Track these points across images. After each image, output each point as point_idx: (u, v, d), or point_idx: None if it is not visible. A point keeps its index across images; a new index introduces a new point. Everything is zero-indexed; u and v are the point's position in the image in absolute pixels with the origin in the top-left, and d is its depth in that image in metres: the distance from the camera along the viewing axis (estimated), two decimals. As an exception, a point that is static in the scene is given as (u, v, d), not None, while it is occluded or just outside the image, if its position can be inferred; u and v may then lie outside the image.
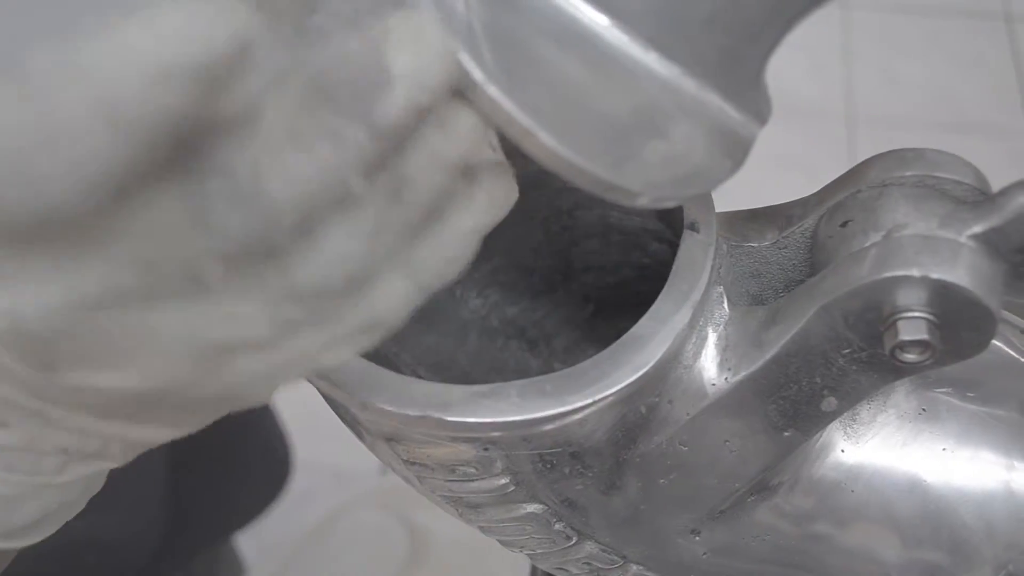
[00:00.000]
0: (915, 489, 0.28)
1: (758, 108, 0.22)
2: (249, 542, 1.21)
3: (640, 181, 0.19)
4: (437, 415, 0.22)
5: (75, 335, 0.16)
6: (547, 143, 0.18)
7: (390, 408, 0.22)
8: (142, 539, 0.66)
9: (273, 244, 0.16)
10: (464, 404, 0.22)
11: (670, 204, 0.21)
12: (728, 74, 0.21)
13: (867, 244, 0.23)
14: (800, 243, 0.26)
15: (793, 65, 1.68)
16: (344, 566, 0.95)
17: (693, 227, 0.25)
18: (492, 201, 0.20)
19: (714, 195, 0.26)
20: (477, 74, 0.18)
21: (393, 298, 0.18)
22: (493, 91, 0.18)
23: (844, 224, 0.24)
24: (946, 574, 0.28)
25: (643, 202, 0.19)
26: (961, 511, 0.28)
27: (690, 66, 0.20)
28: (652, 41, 0.20)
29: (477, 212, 0.19)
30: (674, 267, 0.24)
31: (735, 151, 0.21)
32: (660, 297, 0.24)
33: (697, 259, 0.24)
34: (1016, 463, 0.28)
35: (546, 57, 0.19)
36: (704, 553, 0.28)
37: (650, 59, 0.20)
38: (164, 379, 0.17)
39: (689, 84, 0.20)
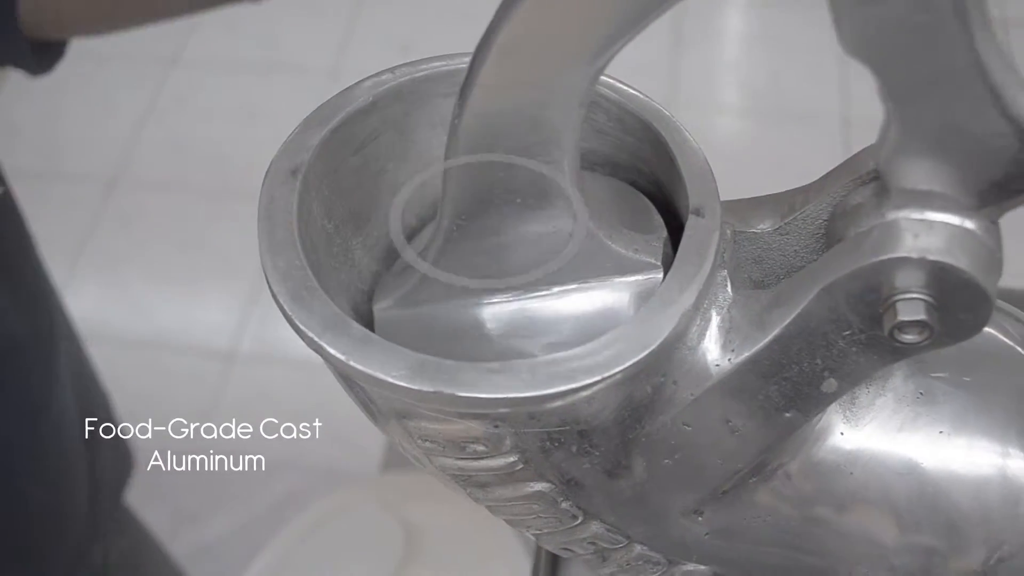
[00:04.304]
0: (912, 473, 0.28)
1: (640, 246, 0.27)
2: (243, 541, 1.22)
3: None
4: (449, 391, 0.22)
5: None
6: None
7: (403, 384, 0.23)
8: None
9: None
10: (475, 380, 0.23)
11: None
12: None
13: (868, 228, 0.23)
14: (801, 230, 0.27)
15: (789, 68, 1.69)
16: (339, 564, 0.96)
17: (699, 212, 0.25)
18: None
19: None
20: None
21: None
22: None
23: (858, 204, 0.24)
24: (941, 557, 0.29)
25: None
26: (956, 496, 0.28)
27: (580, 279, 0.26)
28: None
29: None
30: (679, 251, 0.25)
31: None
32: (666, 279, 0.24)
33: (702, 243, 0.25)
34: (1011, 449, 0.28)
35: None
36: (706, 534, 0.29)
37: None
38: None
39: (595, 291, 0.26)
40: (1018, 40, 1.56)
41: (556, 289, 0.26)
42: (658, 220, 0.28)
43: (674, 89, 1.68)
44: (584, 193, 0.26)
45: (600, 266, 0.26)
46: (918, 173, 0.22)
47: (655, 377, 0.25)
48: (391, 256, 0.30)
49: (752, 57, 1.80)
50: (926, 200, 0.22)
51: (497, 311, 0.27)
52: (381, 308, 0.28)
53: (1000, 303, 0.30)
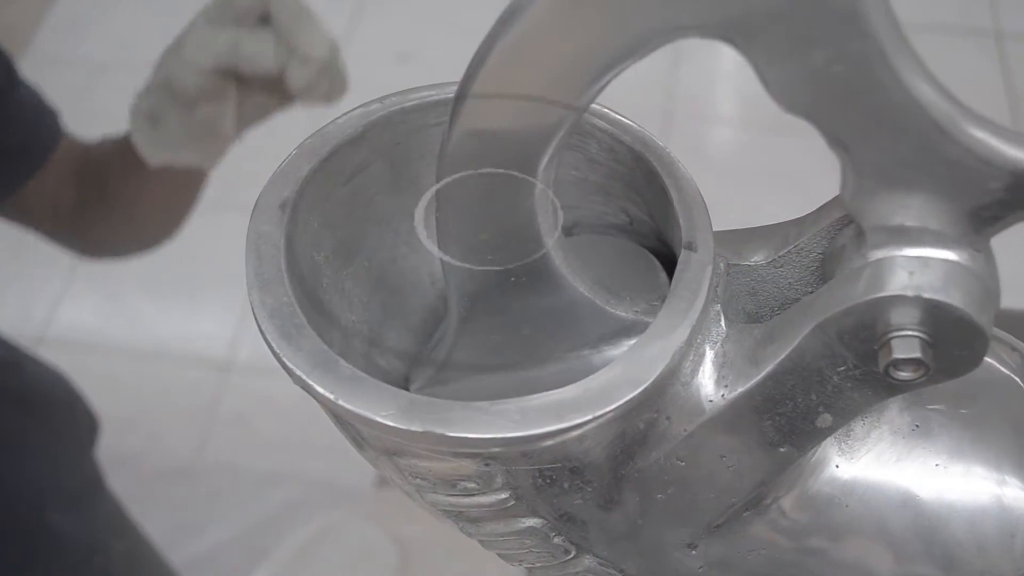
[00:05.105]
0: (908, 504, 0.28)
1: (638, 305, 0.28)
2: (240, 551, 1.22)
3: None
4: (439, 431, 0.22)
5: None
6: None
7: (391, 423, 0.22)
8: None
9: None
10: (465, 420, 0.22)
11: None
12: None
13: (862, 264, 0.23)
14: (796, 262, 0.27)
15: (785, 80, 1.69)
16: (335, 579, 0.96)
17: (691, 246, 0.25)
18: None
19: (709, 210, 0.26)
20: None
21: None
22: None
23: (842, 245, 0.24)
24: (939, 588, 0.29)
25: None
26: (953, 526, 0.28)
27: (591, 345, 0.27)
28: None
29: None
30: (672, 285, 0.25)
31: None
32: (659, 315, 0.24)
33: (695, 278, 0.25)
34: (1008, 478, 0.28)
35: None
36: (701, 567, 0.28)
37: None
38: None
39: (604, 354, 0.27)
40: (1016, 53, 1.56)
41: (571, 356, 0.28)
42: (662, 277, 0.29)
43: (672, 100, 1.69)
44: (582, 261, 0.27)
45: (606, 331, 0.27)
46: (886, 210, 0.22)
47: (648, 413, 0.24)
48: (381, 286, 0.30)
49: (750, 67, 1.80)
50: (905, 236, 0.22)
51: (517, 381, 0.28)
52: (416, 389, 0.29)
53: (996, 331, 0.30)
